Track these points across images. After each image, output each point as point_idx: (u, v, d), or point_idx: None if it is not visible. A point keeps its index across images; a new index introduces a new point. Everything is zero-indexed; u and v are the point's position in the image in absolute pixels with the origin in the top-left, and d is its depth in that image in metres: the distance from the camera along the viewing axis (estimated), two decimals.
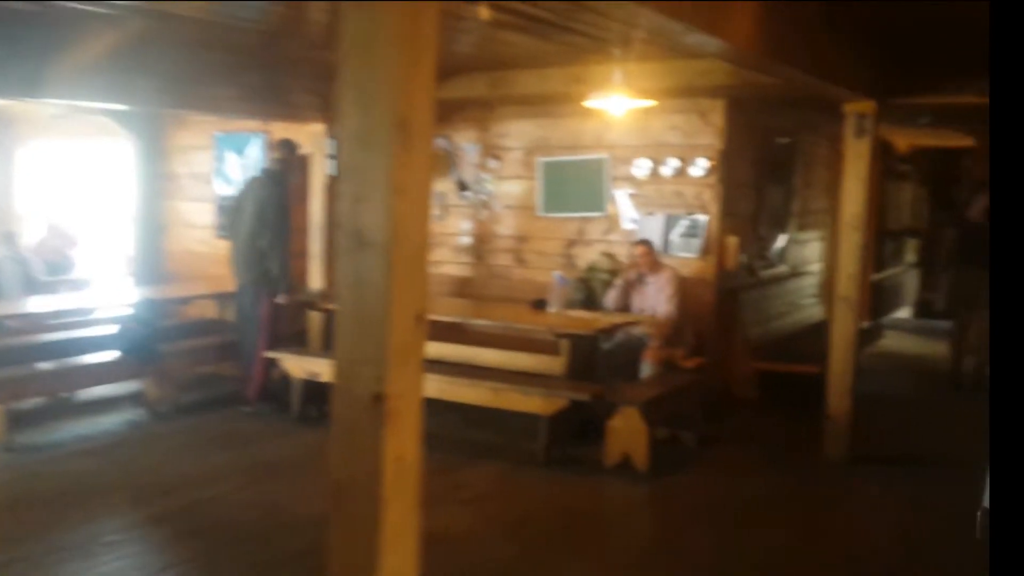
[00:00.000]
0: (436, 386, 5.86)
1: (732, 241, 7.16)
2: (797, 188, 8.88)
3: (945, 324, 11.91)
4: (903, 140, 11.52)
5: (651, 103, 5.84)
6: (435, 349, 6.70)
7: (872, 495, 5.21)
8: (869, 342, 9.70)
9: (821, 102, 6.99)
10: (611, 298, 6.71)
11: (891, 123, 8.23)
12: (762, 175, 7.86)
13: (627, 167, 7.38)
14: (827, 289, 10.07)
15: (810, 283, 9.29)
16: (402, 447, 1.83)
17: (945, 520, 4.83)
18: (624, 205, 7.42)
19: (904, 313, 12.39)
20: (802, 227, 9.10)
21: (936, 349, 10.21)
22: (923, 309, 12.67)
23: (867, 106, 5.60)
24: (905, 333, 11.08)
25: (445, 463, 5.52)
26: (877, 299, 10.74)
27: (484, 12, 4.69)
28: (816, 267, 9.66)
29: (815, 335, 8.48)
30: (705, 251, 7.06)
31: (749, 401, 7.35)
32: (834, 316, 5.97)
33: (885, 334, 10.71)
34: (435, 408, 6.45)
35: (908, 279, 12.56)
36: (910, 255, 12.79)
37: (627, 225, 7.41)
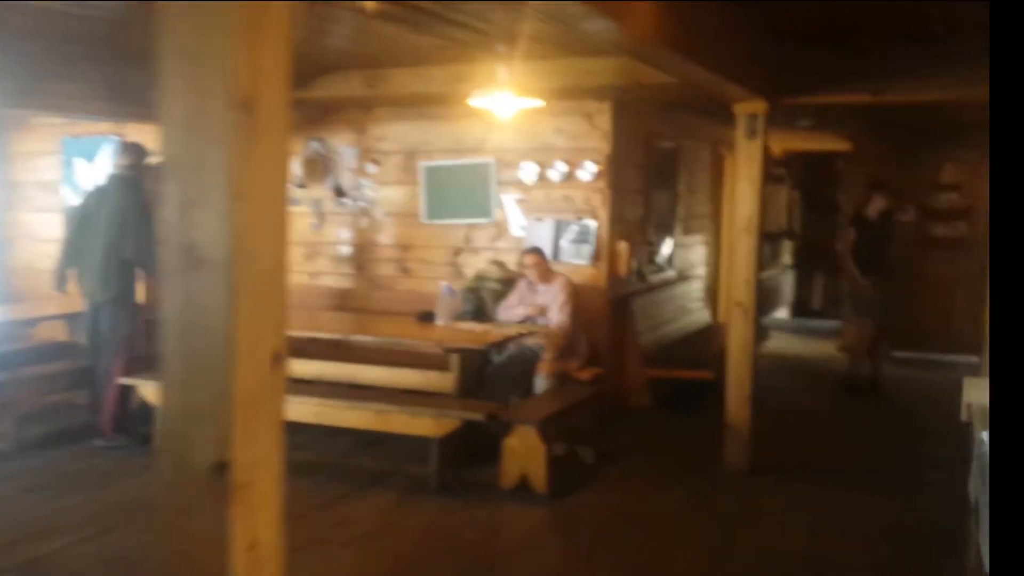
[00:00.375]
0: (314, 410, 5.39)
1: (623, 247, 6.95)
2: (681, 193, 8.81)
3: (822, 324, 12.36)
4: (777, 144, 11.69)
5: (538, 103, 5.53)
6: (313, 368, 6.21)
7: (777, 508, 5.04)
8: (756, 343, 9.72)
9: (705, 106, 6.90)
10: (509, 309, 6.38)
11: (768, 127, 8.23)
12: (649, 180, 7.71)
13: (514, 171, 7.07)
14: (713, 293, 10.09)
15: (696, 287, 9.22)
16: (256, 531, 1.41)
17: (853, 532, 4.69)
18: (512, 211, 7.10)
19: (782, 313, 12.62)
20: (687, 231, 9.03)
21: (817, 349, 10.37)
22: (799, 309, 12.99)
23: (759, 106, 5.46)
24: (785, 333, 11.21)
25: (327, 496, 5.04)
26: (758, 300, 10.84)
27: (370, 5, 4.27)
28: (701, 271, 9.62)
29: (703, 339, 8.41)
30: (596, 257, 6.82)
31: (644, 410, 7.15)
32: (730, 323, 5.81)
33: (771, 335, 10.80)
34: (316, 433, 6.03)
35: (785, 280, 12.82)
36: (786, 256, 13.07)
37: (516, 232, 7.10)
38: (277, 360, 1.46)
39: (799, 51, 5.40)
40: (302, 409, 5.26)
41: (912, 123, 9.10)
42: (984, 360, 4.11)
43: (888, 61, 5.17)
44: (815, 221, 13.77)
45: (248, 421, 1.42)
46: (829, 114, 7.81)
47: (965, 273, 9.64)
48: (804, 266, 13.20)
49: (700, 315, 9.03)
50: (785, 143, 11.64)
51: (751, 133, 5.58)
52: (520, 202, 7.07)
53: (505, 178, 7.11)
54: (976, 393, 2.50)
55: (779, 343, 10.59)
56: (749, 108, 5.49)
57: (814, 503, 5.10)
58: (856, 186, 10.26)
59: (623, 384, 7.23)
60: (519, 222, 7.08)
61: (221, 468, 1.39)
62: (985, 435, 1.84)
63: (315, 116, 7.60)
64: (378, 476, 5.41)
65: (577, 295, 6.32)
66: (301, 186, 7.81)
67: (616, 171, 6.89)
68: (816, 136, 10.19)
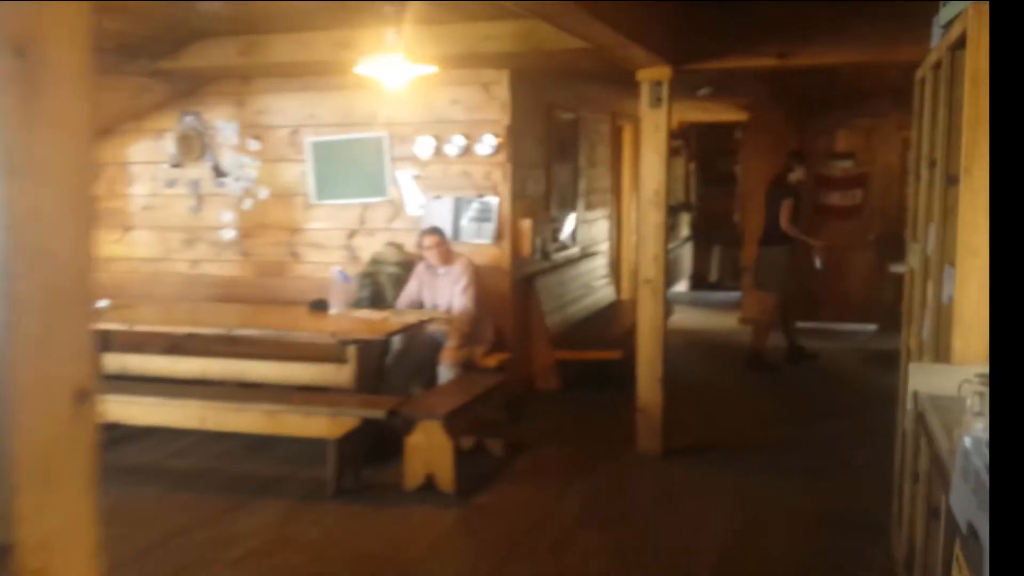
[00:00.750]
0: (195, 414, 4.89)
1: (526, 224, 6.63)
2: (583, 166, 8.55)
3: (721, 296, 12.39)
4: (674, 115, 11.59)
5: (431, 70, 5.12)
6: (194, 367, 5.69)
7: (694, 496, 4.83)
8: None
9: (605, 74, 6.63)
10: (407, 294, 5.98)
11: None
12: (550, 153, 7.40)
13: (408, 146, 6.64)
14: (616, 269, 9.91)
15: (601, 264, 9.00)
16: None
17: (774, 519, 4.52)
18: (408, 188, 6.68)
19: (681, 286, 12.60)
20: (589, 206, 8.79)
21: (719, 322, 10.34)
22: (697, 281, 13.01)
23: (663, 72, 5.20)
24: (685, 306, 11.14)
25: (211, 509, 4.57)
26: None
27: None
28: (604, 247, 9.41)
29: (610, 317, 8.20)
30: (499, 236, 6.47)
31: (552, 393, 6.89)
32: (639, 302, 5.56)
33: (674, 309, 10.70)
34: (199, 437, 5.52)
35: (683, 253, 12.80)
36: (684, 229, 13.05)
37: (413, 211, 6.68)
38: (82, 399, 1.05)
39: (704, 13, 5.15)
40: (181, 414, 4.76)
41: (809, 90, 9.07)
42: (905, 337, 3.96)
43: (796, 23, 4.98)
44: (712, 192, 13.81)
45: (41, 486, 1.01)
46: (729, 81, 7.66)
47: (860, 242, 9.73)
48: (702, 238, 13.22)
49: (605, 292, 8.82)
50: (681, 114, 11.54)
51: (656, 101, 5.32)
52: (417, 179, 6.66)
53: (399, 153, 6.67)
54: (922, 380, 2.28)
55: (681, 317, 10.49)
56: (653, 75, 5.22)
57: (731, 489, 4.91)
58: (754, 156, 10.25)
59: (530, 368, 6.95)
60: (416, 200, 6.66)
61: (3, 553, 0.98)
62: (969, 441, 1.57)
63: (188, 88, 6.98)
64: (270, 483, 4.96)
65: (480, 277, 5.97)
66: (176, 165, 7.19)
67: (516, 144, 6.54)
68: (713, 106, 10.09)
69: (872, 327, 9.51)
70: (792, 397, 7.03)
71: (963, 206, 2.29)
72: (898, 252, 9.69)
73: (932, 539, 2.97)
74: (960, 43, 2.59)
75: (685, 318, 10.34)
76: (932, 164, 3.28)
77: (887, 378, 7.51)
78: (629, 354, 6.51)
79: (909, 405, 2.34)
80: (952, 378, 2.22)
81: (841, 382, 7.52)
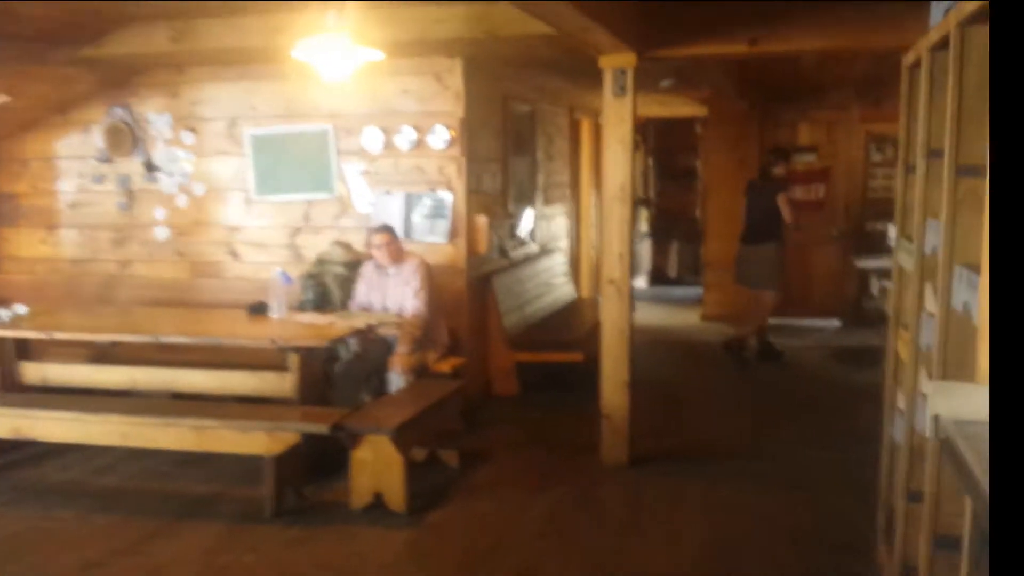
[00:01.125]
0: (117, 430, 4.45)
1: (482, 221, 6.26)
2: (540, 160, 8.23)
3: (680, 292, 12.16)
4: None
5: (377, 55, 4.72)
6: (120, 376, 5.24)
7: (664, 509, 4.50)
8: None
9: (564, 63, 6.31)
10: (355, 296, 5.59)
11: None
12: (506, 147, 7.05)
13: (355, 139, 6.24)
14: (576, 266, 9.60)
15: (560, 261, 8.68)
16: None
17: (749, 534, 4.22)
18: (356, 184, 6.28)
19: (639, 282, 12.35)
20: (548, 201, 8.47)
21: (680, 319, 10.08)
22: (655, 277, 12.79)
23: (628, 59, 4.87)
24: (644, 302, 10.86)
25: (136, 533, 4.15)
26: None
27: None
28: (564, 244, 9.10)
29: (570, 317, 7.88)
30: (453, 234, 6.10)
31: (511, 398, 6.55)
32: (603, 302, 5.23)
33: (635, 306, 10.42)
34: (125, 451, 5.05)
35: (642, 248, 12.58)
36: (642, 224, 12.82)
37: (362, 207, 6.28)
38: None
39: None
40: (100, 430, 4.33)
41: (772, 81, 8.84)
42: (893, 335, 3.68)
43: (768, 8, 4.68)
44: (670, 188, 13.59)
45: None
46: (693, 72, 7.38)
47: (824, 236, 9.54)
48: (660, 234, 13.01)
49: (565, 290, 8.50)
50: (640, 109, 11.25)
51: (620, 90, 5.00)
52: (365, 174, 6.26)
53: (346, 147, 6.26)
54: (945, 403, 1.97)
55: (641, 314, 10.17)
56: (618, 62, 4.89)
57: (703, 501, 4.60)
58: (715, 151, 10.01)
59: (488, 372, 6.59)
60: (365, 196, 6.26)
61: None
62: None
63: (118, 78, 6.50)
64: (202, 503, 4.53)
65: (433, 277, 5.59)
66: (105, 160, 6.71)
67: (471, 137, 6.18)
68: (672, 101, 9.82)
69: (836, 323, 9.33)
70: (760, 397, 6.77)
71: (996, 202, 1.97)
72: (862, 247, 9.58)
73: (937, 566, 2.69)
74: (972, 19, 2.29)
75: (645, 315, 10.06)
76: (933, 154, 2.99)
77: (855, 375, 7.36)
78: (591, 355, 6.21)
79: (929, 431, 2.02)
80: (980, 400, 1.92)
81: (809, 380, 7.29)
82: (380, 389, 5.17)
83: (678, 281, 12.79)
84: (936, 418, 2.09)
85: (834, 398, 6.67)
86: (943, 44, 2.75)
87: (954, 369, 2.48)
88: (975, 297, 2.26)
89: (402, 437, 4.28)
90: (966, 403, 2.02)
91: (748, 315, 8.00)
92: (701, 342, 8.88)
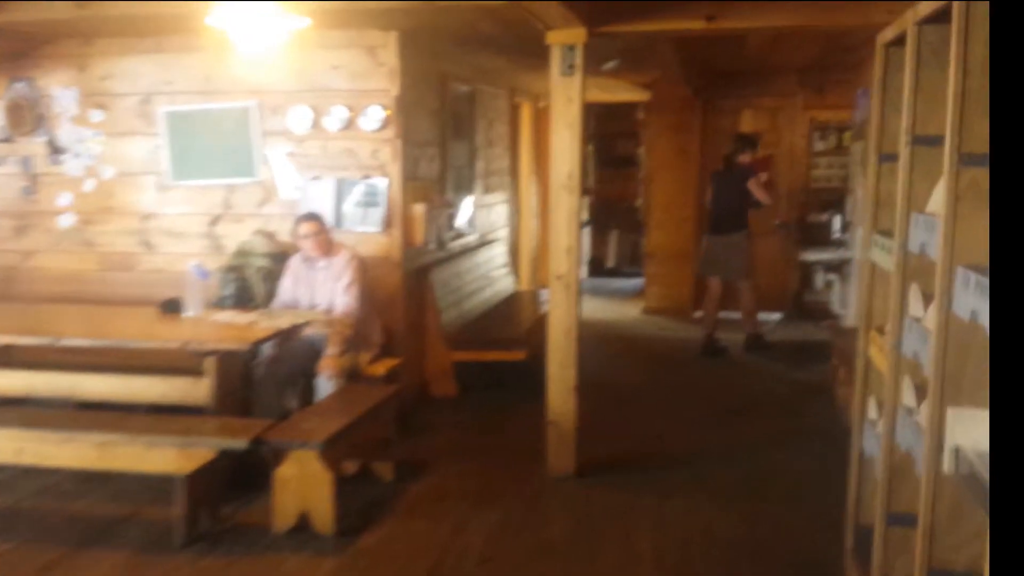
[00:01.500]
0: (9, 446, 3.95)
1: (419, 210, 5.85)
2: (480, 146, 7.84)
3: (620, 283, 11.89)
4: None
5: (303, 22, 4.26)
6: (18, 382, 4.71)
7: (615, 526, 4.17)
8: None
9: (505, 40, 5.94)
10: (280, 292, 5.14)
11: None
12: (445, 130, 6.64)
13: (281, 118, 5.75)
14: (516, 258, 9.23)
15: (499, 252, 8.32)
16: None
17: (707, 554, 3.92)
18: (282, 168, 5.80)
19: (580, 273, 12.04)
20: (487, 189, 8.08)
21: (622, 312, 9.80)
22: (594, 268, 12.52)
23: (578, 35, 4.50)
24: (584, 294, 10.53)
25: (30, 564, 3.65)
26: None
27: None
28: (503, 233, 8.73)
29: (511, 312, 7.54)
30: (388, 224, 5.67)
31: (449, 400, 6.17)
32: (550, 301, 4.88)
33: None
34: (23, 469, 4.51)
35: (582, 237, 12.26)
36: (583, 213, 12.51)
37: (288, 194, 5.81)
38: None
39: None
40: None
41: (716, 67, 8.59)
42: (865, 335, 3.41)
43: None
44: (609, 176, 13.31)
45: None
46: (639, 54, 7.06)
47: (766, 227, 9.35)
48: (600, 223, 12.73)
49: (505, 283, 8.14)
50: None
51: (568, 69, 4.63)
52: (292, 156, 5.78)
53: (271, 127, 5.78)
54: (966, 432, 1.68)
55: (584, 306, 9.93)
56: (567, 37, 4.52)
57: (656, 515, 4.27)
58: (658, 137, 9.74)
59: (424, 372, 6.20)
60: (291, 181, 5.79)
61: None
62: None
63: (19, 49, 5.89)
64: (105, 527, 4.04)
65: (367, 271, 5.17)
66: (4, 140, 6.10)
67: (407, 118, 5.75)
68: (612, 85, 9.50)
69: (777, 316, 9.16)
70: (708, 396, 6.51)
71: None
72: (805, 238, 9.44)
73: None
74: None
75: (586, 308, 9.70)
76: (919, 141, 2.69)
77: (801, 372, 7.16)
78: (534, 353, 5.87)
79: (948, 464, 1.73)
80: None
81: (757, 377, 7.07)
82: (307, 396, 4.74)
83: (617, 272, 12.54)
84: (957, 451, 1.80)
85: (782, 395, 6.47)
86: (937, 17, 2.45)
87: (955, 387, 2.18)
88: (986, 304, 1.95)
89: (331, 451, 3.86)
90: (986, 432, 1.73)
91: (709, 310, 7.80)
92: (644, 336, 8.62)
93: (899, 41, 2.99)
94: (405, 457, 4.82)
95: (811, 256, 8.91)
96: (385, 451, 4.64)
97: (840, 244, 8.40)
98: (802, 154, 9.57)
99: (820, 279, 9.23)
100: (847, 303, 7.63)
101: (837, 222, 8.70)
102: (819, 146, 9.83)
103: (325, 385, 4.71)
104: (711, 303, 7.73)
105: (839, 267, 8.35)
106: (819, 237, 9.05)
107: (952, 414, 1.76)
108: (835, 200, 8.98)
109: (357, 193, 5.67)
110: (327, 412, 4.32)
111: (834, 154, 9.77)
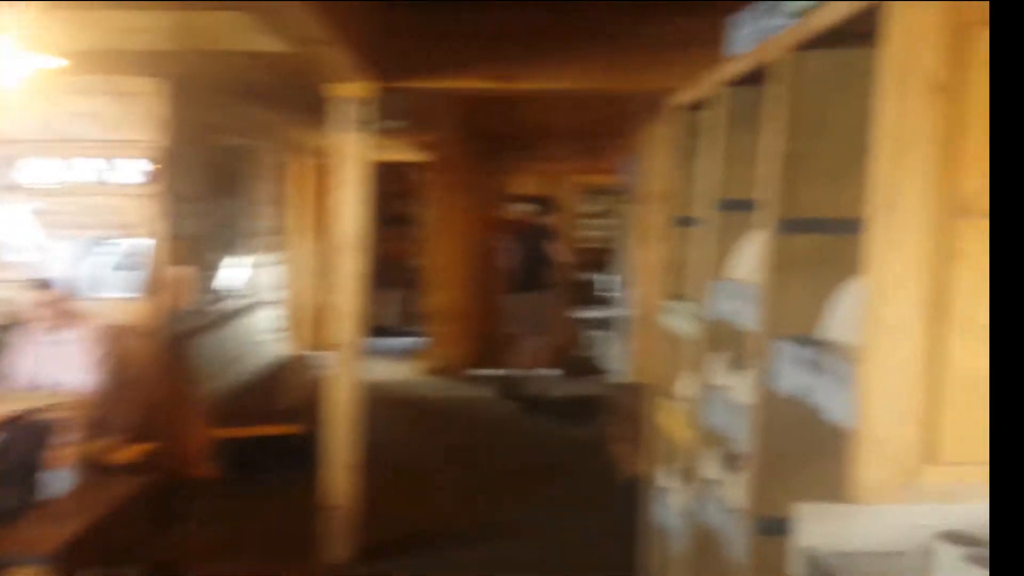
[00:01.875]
0: None
1: (185, 272, 5.26)
2: (252, 202, 7.33)
3: (398, 343, 11.52)
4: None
5: (52, 63, 3.68)
6: None
7: None
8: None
9: (281, 93, 5.58)
10: (13, 370, 4.35)
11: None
12: (212, 186, 6.10)
13: (23, 170, 5.00)
14: (292, 321, 8.66)
15: (271, 315, 7.75)
16: None
17: None
18: (21, 225, 5.01)
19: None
20: (259, 249, 7.55)
21: (400, 373, 9.43)
22: (372, 328, 12.10)
23: (367, 89, 4.23)
24: (361, 355, 10.10)
25: None
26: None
27: None
28: (276, 296, 8.17)
29: (284, 380, 6.99)
30: (149, 288, 5.03)
31: (211, 484, 5.48)
32: (329, 372, 4.48)
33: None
34: None
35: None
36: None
37: (26, 255, 5.02)
38: None
39: (415, 20, 4.27)
40: None
41: (495, 128, 8.62)
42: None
43: (520, 40, 4.27)
44: (385, 234, 13.02)
45: None
46: (426, 112, 6.90)
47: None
48: (375, 282, 12.36)
49: (278, 349, 7.58)
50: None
51: (356, 125, 4.33)
52: (35, 213, 5.02)
53: (7, 180, 5.00)
54: (821, 531, 1.50)
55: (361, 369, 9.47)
56: (356, 91, 4.23)
57: None
58: (438, 197, 9.61)
59: (185, 453, 5.50)
60: (32, 241, 5.02)
61: None
62: None
63: None
64: None
65: (120, 341, 4.51)
66: None
67: (172, 172, 5.19)
68: (395, 144, 9.30)
69: (557, 372, 9.15)
70: (499, 461, 6.32)
71: (879, 261, 1.52)
72: (575, 297, 9.63)
73: None
74: (815, 42, 1.92)
75: (366, 369, 9.31)
76: (727, 205, 2.62)
77: (582, 430, 7.16)
78: (310, 426, 5.39)
79: (798, 566, 1.55)
80: (871, 525, 1.48)
81: (538, 437, 6.98)
82: (31, 500, 3.97)
83: (394, 331, 12.21)
84: (811, 555, 1.64)
85: (564, 456, 6.39)
86: (751, 78, 2.39)
87: (777, 472, 2.06)
88: (822, 380, 1.84)
89: (66, 564, 3.20)
90: (854, 531, 1.58)
91: (520, 361, 8.09)
92: (426, 400, 8.34)
93: (698, 105, 2.96)
94: (160, 559, 4.15)
95: (582, 314, 9.16)
96: (135, 555, 3.96)
97: (606, 302, 8.69)
98: (572, 216, 9.86)
99: (589, 337, 9.46)
100: (616, 360, 7.79)
101: (604, 281, 9.03)
102: (589, 207, 10.19)
103: (60, 480, 3.98)
104: (526, 356, 8.01)
105: (607, 324, 8.55)
106: (585, 296, 9.39)
107: (804, 511, 1.60)
108: (600, 260, 9.35)
109: (113, 254, 5.00)
110: (62, 514, 3.61)
111: (606, 216, 10.13)
